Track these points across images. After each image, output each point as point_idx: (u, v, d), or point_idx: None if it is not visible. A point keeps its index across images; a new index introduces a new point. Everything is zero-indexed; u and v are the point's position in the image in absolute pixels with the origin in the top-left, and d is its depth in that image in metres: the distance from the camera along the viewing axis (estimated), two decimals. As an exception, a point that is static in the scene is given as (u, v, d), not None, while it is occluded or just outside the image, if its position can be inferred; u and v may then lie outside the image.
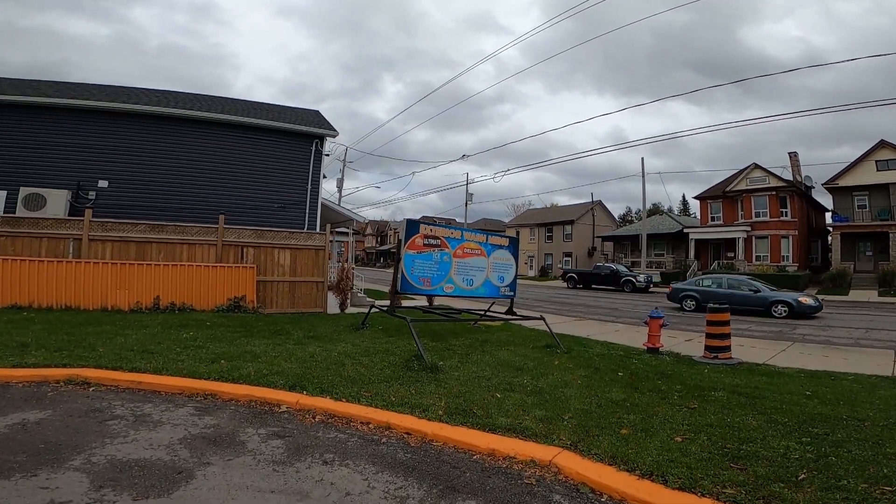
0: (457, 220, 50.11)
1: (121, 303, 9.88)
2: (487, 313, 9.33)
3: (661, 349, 7.44)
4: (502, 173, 43.10)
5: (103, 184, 12.36)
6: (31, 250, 9.92)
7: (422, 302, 13.11)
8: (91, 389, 4.87)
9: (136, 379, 5.03)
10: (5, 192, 11.70)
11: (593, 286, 30.20)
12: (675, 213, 52.24)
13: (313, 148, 13.63)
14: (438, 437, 3.73)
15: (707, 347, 7.06)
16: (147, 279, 10.03)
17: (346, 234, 19.33)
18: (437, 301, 12.51)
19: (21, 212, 11.22)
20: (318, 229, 12.81)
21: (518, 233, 54.13)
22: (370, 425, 4.05)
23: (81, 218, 10.28)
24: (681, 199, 69.75)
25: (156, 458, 3.26)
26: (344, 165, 31.50)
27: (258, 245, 10.99)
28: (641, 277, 27.61)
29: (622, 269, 30.29)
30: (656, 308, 7.65)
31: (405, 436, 3.84)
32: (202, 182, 12.94)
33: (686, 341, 9.16)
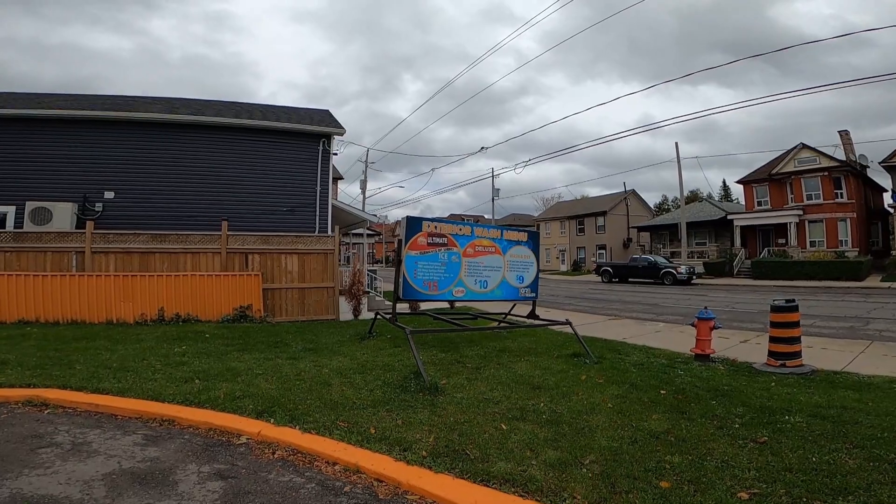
0: (485, 216, 49.07)
1: (126, 315, 9.50)
2: (507, 318, 8.36)
3: (712, 356, 6.29)
4: (524, 163, 41.67)
5: (109, 195, 12.10)
6: (35, 265, 9.69)
7: (443, 305, 12.26)
8: (46, 412, 4.44)
9: (94, 401, 4.57)
10: (14, 206, 11.59)
11: (630, 280, 28.55)
12: (716, 199, 49.40)
13: (320, 147, 13.00)
14: (414, 488, 2.86)
15: (771, 353, 5.86)
16: (150, 290, 9.62)
17: (368, 235, 18.67)
18: (458, 304, 11.62)
19: (28, 226, 11.06)
20: (329, 232, 12.15)
21: (548, 226, 52.52)
22: (336, 467, 3.25)
23: (83, 231, 9.96)
24: (721, 184, 66.36)
25: (63, 496, 2.77)
26: (366, 166, 31.03)
27: (264, 251, 10.40)
28: (683, 269, 25.82)
29: (661, 260, 28.49)
30: (706, 308, 6.48)
31: (374, 483, 3.00)
32: (209, 188, 12.52)
33: (741, 343, 7.92)
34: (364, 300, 11.45)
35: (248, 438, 3.78)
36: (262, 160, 12.91)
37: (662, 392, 4.66)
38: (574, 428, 3.65)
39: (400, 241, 6.58)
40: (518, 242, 7.64)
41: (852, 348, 7.46)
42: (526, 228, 8.38)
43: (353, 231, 18.92)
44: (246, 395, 4.62)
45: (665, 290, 22.49)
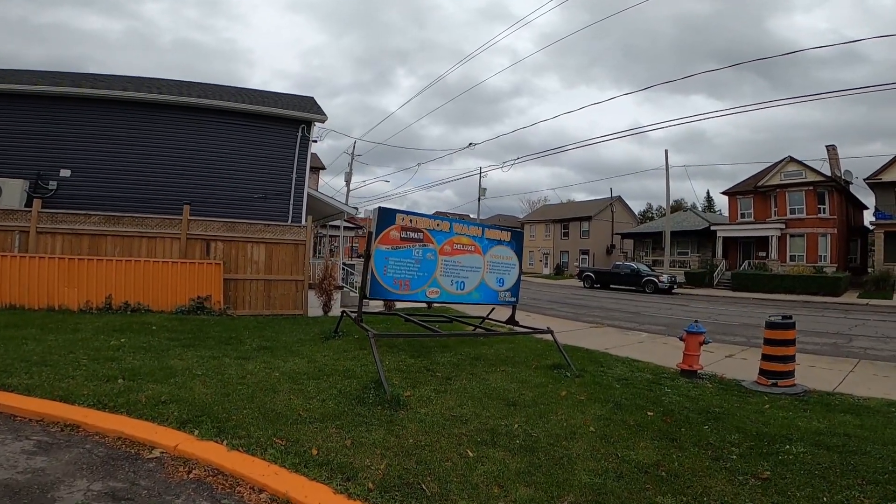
0: (471, 215, 48.58)
1: (69, 302, 8.70)
2: (484, 322, 7.84)
3: (699, 371, 5.86)
4: (512, 162, 41.04)
5: (65, 173, 11.23)
6: (-26, 245, 8.82)
7: (421, 304, 11.67)
8: None
9: None
10: (-41, 181, 10.65)
11: (612, 286, 28.37)
12: (700, 210, 49.80)
13: (299, 134, 12.29)
14: (352, 536, 2.30)
15: (763, 372, 5.44)
16: (99, 276, 8.83)
17: (347, 228, 17.96)
18: (436, 305, 11.04)
19: (-28, 202, 10.16)
20: (303, 221, 11.47)
21: (533, 229, 52.34)
22: (262, 495, 2.69)
23: (29, 209, 9.12)
24: (705, 195, 67.08)
25: None
26: (352, 158, 30.23)
27: (228, 239, 9.69)
28: (664, 278, 25.71)
29: (643, 268, 28.38)
30: (696, 321, 6.04)
31: (306, 525, 2.43)
32: (176, 171, 11.72)
33: (727, 357, 7.53)
34: (336, 296, 10.81)
35: (161, 452, 3.20)
36: (235, 144, 12.15)
37: (650, 414, 4.17)
38: (551, 457, 3.13)
39: (370, 233, 6.00)
40: (500, 242, 7.11)
41: (840, 366, 7.13)
42: (510, 228, 7.84)
43: (332, 223, 18.21)
44: (174, 399, 4.00)
45: (646, 298, 22.30)
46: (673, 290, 25.67)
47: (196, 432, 3.39)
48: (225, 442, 3.25)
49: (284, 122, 12.38)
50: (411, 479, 2.76)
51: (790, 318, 5.48)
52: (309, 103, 13.78)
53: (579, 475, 2.87)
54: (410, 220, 6.19)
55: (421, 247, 6.21)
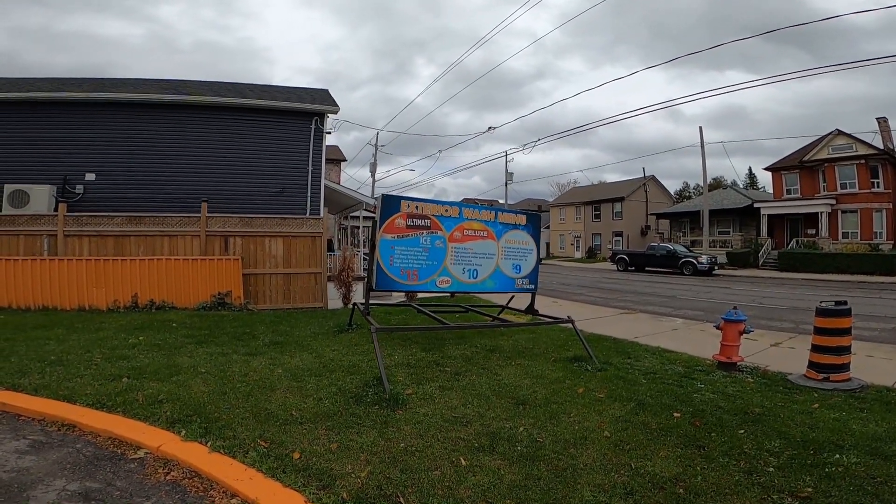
0: (499, 201, 47.88)
1: (98, 301, 8.89)
2: (503, 312, 7.50)
3: (739, 364, 5.33)
4: (533, 143, 39.54)
5: (90, 177, 11.50)
6: (9, 249, 9.13)
7: (443, 294, 11.41)
8: None
9: (2, 399, 4.02)
10: (-7, 190, 11.07)
11: (647, 269, 27.29)
12: (741, 187, 47.29)
13: (312, 126, 12.13)
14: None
15: (813, 364, 4.88)
16: (124, 275, 8.98)
17: (367, 218, 17.82)
18: (458, 294, 10.76)
19: (7, 210, 10.53)
20: (321, 214, 11.37)
21: (563, 212, 51.15)
22: (234, 500, 2.55)
23: (56, 213, 9.35)
24: (747, 172, 63.64)
25: None
26: (376, 149, 30.16)
27: (246, 234, 9.66)
28: (704, 258, 24.48)
29: (680, 249, 27.14)
30: (735, 308, 5.48)
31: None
32: (193, 169, 11.82)
33: (772, 346, 6.91)
34: (356, 287, 10.67)
35: (146, 453, 3.14)
36: (250, 140, 12.13)
37: (676, 415, 3.75)
38: (554, 468, 2.78)
39: (375, 222, 5.74)
40: (515, 226, 6.71)
41: (901, 355, 6.41)
42: (525, 210, 7.42)
43: (352, 214, 18.13)
44: (170, 398, 3.91)
45: (684, 280, 21.28)
46: (713, 272, 24.43)
47: (183, 432, 3.29)
48: (209, 443, 3.12)
49: (297, 116, 12.27)
50: (391, 491, 2.49)
51: (845, 303, 4.87)
52: (322, 95, 13.62)
53: (582, 491, 2.51)
54: (416, 207, 5.89)
55: (429, 234, 5.91)
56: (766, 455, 3.05)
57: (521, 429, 3.39)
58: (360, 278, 11.55)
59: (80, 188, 11.46)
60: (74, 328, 6.96)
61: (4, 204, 10.73)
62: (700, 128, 28.71)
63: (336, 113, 12.52)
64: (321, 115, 12.30)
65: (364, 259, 13.74)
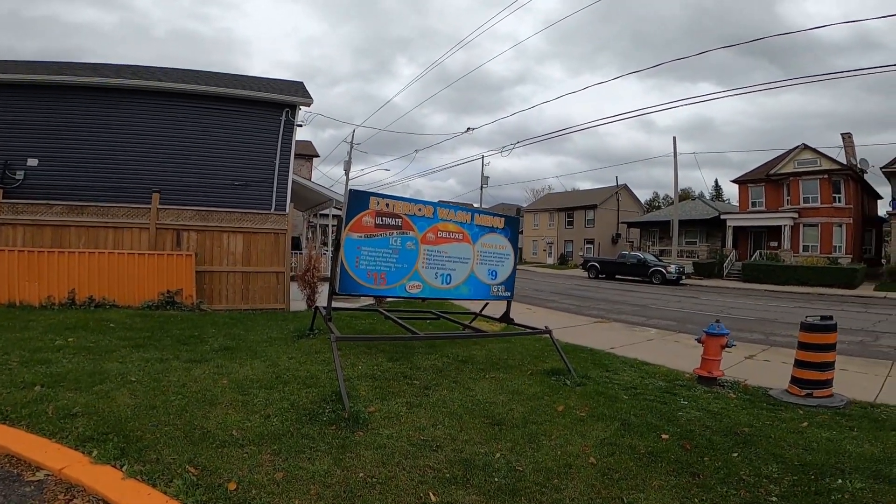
0: (474, 204, 47.73)
1: (31, 297, 8.05)
2: (475, 320, 7.11)
3: (720, 378, 5.09)
4: (511, 146, 39.16)
5: (32, 162, 10.55)
6: (-70, 235, 8.17)
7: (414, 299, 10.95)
8: None
9: None
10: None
11: (617, 277, 27.51)
12: (709, 199, 48.63)
13: (283, 118, 11.49)
14: None
15: (796, 380, 4.67)
16: (61, 269, 8.16)
17: (337, 215, 17.17)
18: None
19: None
20: (286, 210, 10.74)
21: (536, 218, 51.43)
22: None
23: (-13, 198, 8.45)
24: (713, 184, 65.58)
25: None
26: (351, 146, 29.37)
27: (202, 229, 8.97)
28: (672, 268, 24.81)
29: (650, 258, 27.47)
30: (717, 321, 5.23)
31: None
32: (148, 159, 11.01)
33: (747, 359, 6.75)
34: (322, 289, 10.09)
35: (46, 475, 2.64)
36: (213, 130, 11.39)
37: (664, 437, 3.41)
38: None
39: (340, 219, 5.25)
40: (493, 229, 6.32)
41: (875, 370, 6.34)
42: (503, 214, 7.06)
43: (322, 212, 17.44)
44: (87, 411, 3.35)
45: (653, 289, 21.46)
46: (681, 281, 24.78)
47: (94, 453, 2.77)
48: (124, 467, 2.62)
49: (267, 107, 11.60)
50: (343, 543, 2.03)
51: (830, 318, 4.69)
52: (296, 87, 12.97)
53: (573, 540, 2.12)
54: (387, 205, 5.42)
55: (399, 235, 5.45)
56: (766, 482, 2.75)
57: (498, 454, 2.99)
58: (326, 279, 10.96)
59: (20, 174, 10.49)
60: (-3, 327, 6.19)
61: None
62: (674, 138, 29.25)
63: (309, 105, 11.91)
64: (292, 107, 11.67)
65: (332, 259, 13.16)
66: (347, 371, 4.79)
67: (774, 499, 2.59)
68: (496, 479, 2.67)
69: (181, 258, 8.57)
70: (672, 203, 32.61)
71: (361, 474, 2.67)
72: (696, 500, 2.54)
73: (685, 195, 51.39)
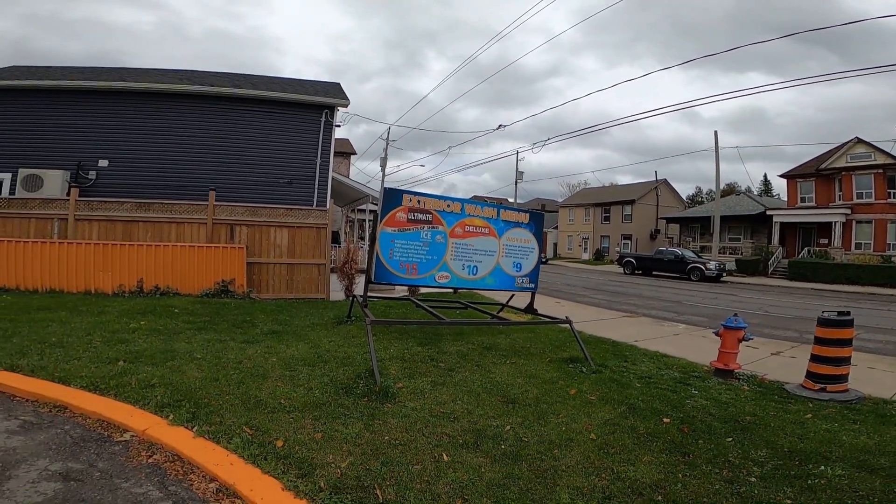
0: (508, 199, 47.72)
1: (104, 286, 9.01)
2: (502, 311, 7.49)
3: (736, 371, 5.28)
4: (542, 142, 38.71)
5: (103, 163, 11.69)
6: (20, 231, 9.26)
7: (446, 290, 11.43)
8: None
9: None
10: (9, 174, 11.31)
11: (654, 273, 27.09)
12: (756, 194, 46.71)
13: (322, 119, 12.21)
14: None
15: (811, 374, 4.82)
16: (131, 261, 9.08)
17: (373, 212, 17.85)
18: (461, 290, 10.75)
19: (21, 193, 10.75)
20: (327, 206, 11.42)
21: (572, 213, 50.89)
22: (212, 484, 2.58)
23: (67, 198, 9.48)
24: (762, 179, 62.87)
25: None
26: (387, 144, 30.12)
27: (252, 223, 9.74)
28: (712, 265, 24.24)
29: (689, 254, 26.91)
30: (735, 315, 5.42)
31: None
32: (204, 158, 12.00)
33: (773, 355, 6.83)
34: (359, 280, 10.71)
35: (132, 436, 3.18)
36: (260, 131, 12.26)
37: (665, 420, 3.72)
38: (535, 469, 2.78)
39: (376, 215, 5.75)
40: (518, 224, 6.68)
41: (906, 369, 6.30)
42: (529, 209, 7.40)
43: (359, 207, 18.17)
44: (163, 383, 3.96)
45: (691, 286, 21.10)
46: (721, 279, 24.19)
47: (170, 417, 3.32)
48: (195, 428, 3.16)
49: (308, 108, 12.35)
50: (368, 482, 2.51)
51: (848, 314, 4.80)
52: (333, 89, 13.68)
53: (560, 494, 2.51)
54: (418, 201, 5.88)
55: (430, 229, 5.91)
56: (750, 464, 3.03)
57: (508, 427, 3.40)
58: (362, 271, 11.60)
59: (93, 174, 11.64)
60: (78, 311, 7.04)
61: (18, 187, 10.95)
62: (715, 132, 28.44)
63: (346, 106, 12.58)
64: (331, 108, 12.36)
65: (369, 252, 13.82)
66: (380, 353, 5.29)
67: (753, 479, 2.86)
68: (503, 447, 3.08)
69: (234, 251, 9.37)
70: (715, 198, 31.66)
71: (387, 437, 3.14)
72: (679, 474, 2.85)
73: (730, 190, 49.53)
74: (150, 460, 2.84)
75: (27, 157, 11.41)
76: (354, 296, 7.11)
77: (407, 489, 2.47)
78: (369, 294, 7.39)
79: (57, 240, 9.16)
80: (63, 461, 2.78)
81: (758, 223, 31.97)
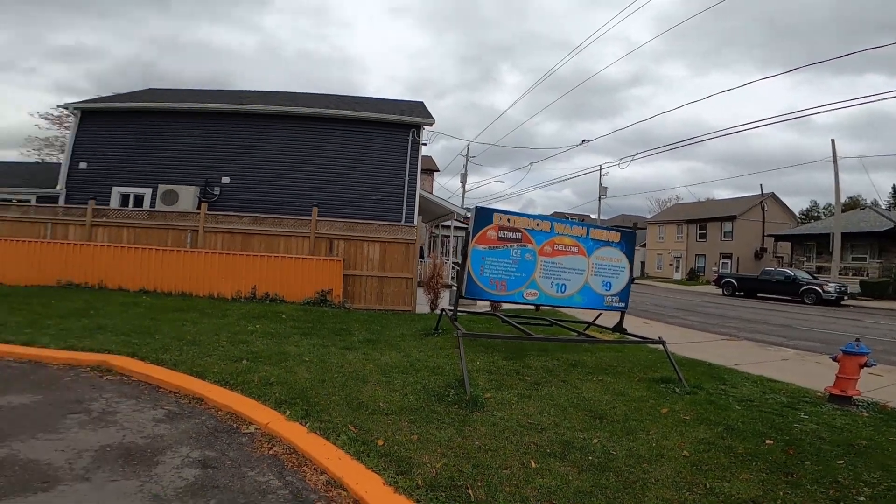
0: (591, 216, 46.35)
1: (225, 291, 10.21)
2: (588, 329, 7.41)
3: (855, 398, 4.83)
4: (630, 157, 36.86)
5: (225, 180, 13.32)
6: (160, 240, 10.82)
7: (528, 307, 11.47)
8: (105, 378, 4.70)
9: (148, 372, 4.77)
10: (150, 189, 13.26)
11: (759, 295, 24.77)
12: (884, 207, 41.03)
13: (409, 138, 12.96)
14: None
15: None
16: (246, 269, 10.24)
17: (457, 228, 18.39)
18: (544, 308, 10.74)
19: (159, 206, 12.55)
20: (415, 222, 12.03)
21: (662, 230, 48.08)
22: (322, 476, 2.90)
23: (198, 211, 10.94)
24: (890, 191, 55.00)
25: (46, 462, 2.84)
26: (467, 160, 30.88)
27: (348, 238, 10.55)
28: (831, 286, 21.68)
29: (802, 275, 24.28)
30: (857, 340, 4.97)
31: (355, 506, 2.59)
32: (305, 175, 13.27)
33: (899, 387, 6.09)
34: (444, 294, 11.13)
35: (256, 428, 3.61)
36: (353, 149, 13.31)
37: (768, 442, 3.55)
38: (623, 480, 2.83)
39: (468, 232, 6.05)
40: (608, 243, 6.65)
41: None
42: (620, 228, 7.31)
43: (444, 223, 18.78)
44: (279, 381, 4.48)
45: (804, 309, 19.03)
46: (842, 302, 21.54)
47: (287, 413, 3.72)
48: (307, 424, 3.52)
49: (395, 127, 13.20)
50: (461, 482, 2.72)
51: None
52: (418, 108, 14.48)
53: (651, 504, 2.55)
54: (508, 220, 6.10)
55: (519, 247, 6.09)
56: (861, 485, 2.84)
57: (595, 440, 3.45)
58: (447, 286, 12.02)
59: (217, 190, 13.32)
60: (205, 313, 8.08)
61: (158, 201, 12.80)
62: (832, 141, 25.69)
63: (431, 125, 13.26)
64: (417, 127, 13.09)
65: (453, 268, 14.22)
66: (468, 365, 5.52)
67: (862, 499, 2.69)
68: (590, 458, 3.15)
69: (333, 262, 10.21)
70: (834, 213, 28.36)
71: (477, 443, 3.34)
72: (779, 492, 2.74)
73: (853, 203, 44.03)
74: (270, 452, 3.22)
75: (164, 174, 13.34)
76: (443, 309, 7.45)
77: (497, 490, 2.65)
78: (446, 308, 7.71)
79: (189, 249, 10.58)
80: (201, 449, 3.19)
81: (887, 241, 28.07)
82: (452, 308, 6.37)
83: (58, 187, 13.91)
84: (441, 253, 22.97)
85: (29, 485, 2.56)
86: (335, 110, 13.43)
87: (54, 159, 29.94)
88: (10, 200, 12.38)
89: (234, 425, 3.65)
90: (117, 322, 6.81)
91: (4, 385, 4.21)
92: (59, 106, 30.56)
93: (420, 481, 2.70)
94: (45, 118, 32.93)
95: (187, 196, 12.77)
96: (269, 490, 2.70)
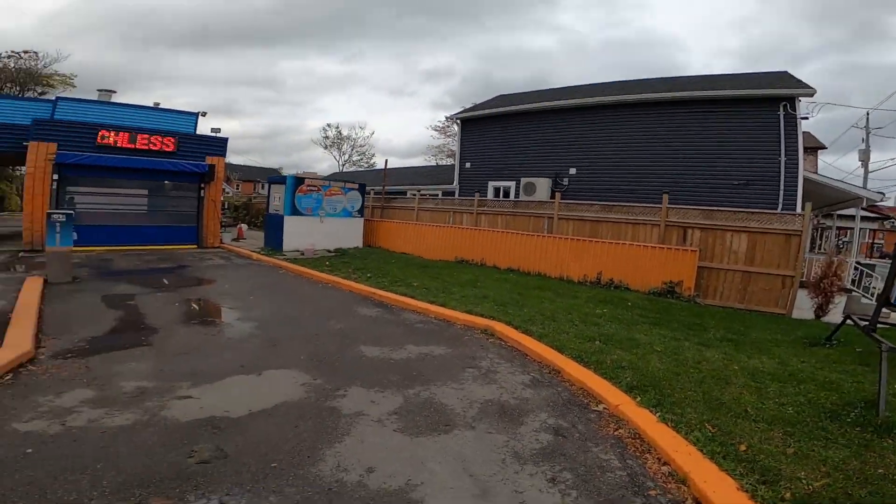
0: None
1: (573, 274, 11.08)
2: None
3: None
4: None
5: (572, 171, 14.30)
6: (522, 227, 12.69)
7: None
8: (489, 340, 5.78)
9: (519, 340, 5.57)
10: (514, 182, 15.60)
11: None
12: None
13: (780, 112, 10.43)
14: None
15: None
16: (593, 255, 10.78)
17: (869, 217, 13.63)
18: None
19: (521, 196, 14.66)
20: (797, 209, 9.79)
21: None
22: (665, 468, 2.89)
23: (553, 201, 12.21)
24: None
25: (451, 407, 3.68)
26: (867, 133, 22.39)
27: (705, 227, 9.56)
28: None
29: None
30: None
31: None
32: (652, 162, 12.71)
33: None
34: (838, 300, 8.62)
35: (604, 408, 3.76)
36: (705, 132, 11.85)
37: None
38: None
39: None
40: None
41: None
42: None
43: (839, 212, 14.26)
44: (631, 367, 4.53)
45: None
46: None
47: (638, 398, 3.75)
48: (658, 413, 3.46)
49: (759, 103, 10.93)
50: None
51: None
52: (784, 78, 11.47)
53: None
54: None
55: None
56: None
57: None
58: (843, 290, 9.27)
59: (565, 180, 14.51)
60: (559, 293, 8.93)
61: (520, 192, 14.96)
62: None
63: (812, 95, 10.34)
64: (790, 100, 10.47)
65: (854, 268, 10.82)
66: (873, 388, 4.19)
67: None
68: None
69: (685, 253, 9.51)
70: None
71: (881, 470, 2.60)
72: None
73: None
74: (615, 433, 3.31)
75: (522, 168, 15.44)
76: (852, 318, 5.76)
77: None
78: (855, 315, 5.88)
79: (543, 234, 11.94)
80: (556, 418, 3.54)
81: None
82: (868, 318, 4.88)
83: (453, 184, 18.15)
84: (836, 247, 17.74)
85: (437, 426, 3.30)
86: (682, 92, 12.28)
87: (443, 162, 38.71)
88: (428, 195, 17.05)
89: (585, 401, 3.91)
90: (495, 293, 8.36)
91: (430, 337, 5.76)
92: (446, 118, 39.40)
93: (788, 495, 2.33)
94: (435, 129, 43.40)
95: (543, 187, 14.40)
96: (609, 469, 2.82)
